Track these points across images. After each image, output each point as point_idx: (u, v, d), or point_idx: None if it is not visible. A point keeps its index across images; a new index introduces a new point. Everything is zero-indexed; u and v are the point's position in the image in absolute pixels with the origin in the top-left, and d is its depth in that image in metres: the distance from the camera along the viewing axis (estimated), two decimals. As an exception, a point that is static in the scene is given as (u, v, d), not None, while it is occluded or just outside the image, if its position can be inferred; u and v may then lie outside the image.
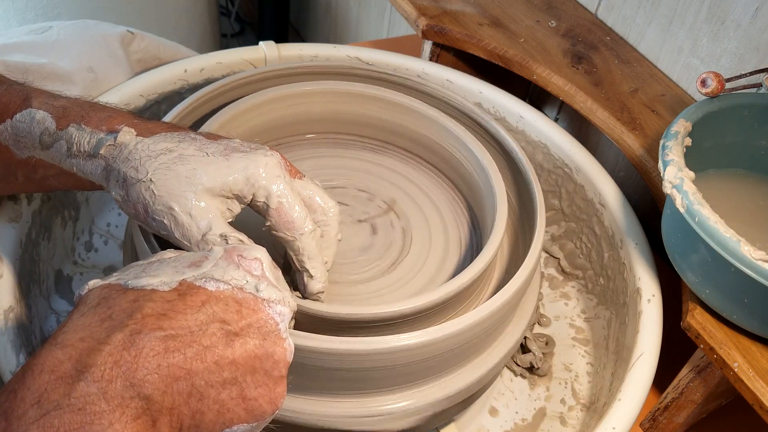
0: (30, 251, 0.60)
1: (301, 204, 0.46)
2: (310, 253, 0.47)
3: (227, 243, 0.43)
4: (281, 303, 0.39)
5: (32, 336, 0.56)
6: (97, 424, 0.33)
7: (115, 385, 0.34)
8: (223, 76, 0.68)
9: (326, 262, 0.49)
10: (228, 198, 0.45)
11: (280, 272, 0.43)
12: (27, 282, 0.58)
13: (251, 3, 2.05)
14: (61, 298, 0.64)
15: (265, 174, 0.45)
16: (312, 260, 0.47)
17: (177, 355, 0.35)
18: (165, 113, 0.59)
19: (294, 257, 0.47)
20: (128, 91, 0.68)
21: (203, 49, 1.36)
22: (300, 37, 1.93)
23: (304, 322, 0.47)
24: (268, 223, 0.46)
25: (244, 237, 0.44)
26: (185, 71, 0.71)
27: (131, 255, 0.53)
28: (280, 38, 1.81)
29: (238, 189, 0.45)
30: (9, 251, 0.56)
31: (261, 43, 0.74)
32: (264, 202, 0.45)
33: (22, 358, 0.50)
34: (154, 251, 0.47)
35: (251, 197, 0.45)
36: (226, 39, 1.99)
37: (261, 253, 0.41)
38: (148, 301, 0.37)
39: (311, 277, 0.48)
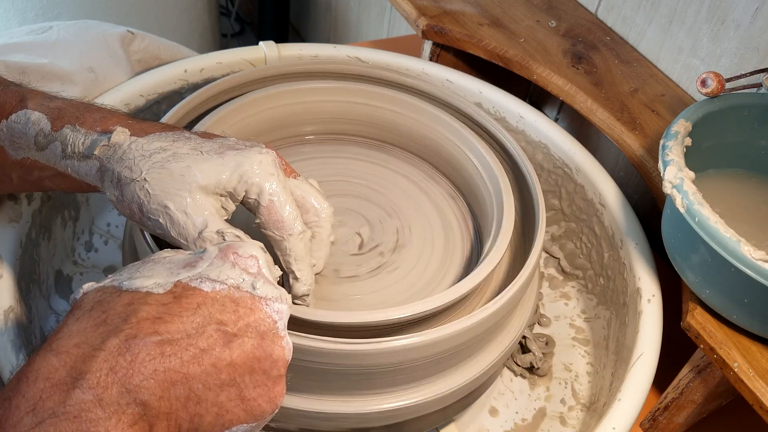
0: (30, 251, 0.60)
1: (293, 204, 0.46)
2: (297, 255, 0.46)
3: (224, 239, 0.43)
4: (279, 300, 0.39)
5: (32, 336, 0.56)
6: None
7: (110, 392, 0.34)
8: (223, 76, 0.68)
9: (315, 265, 0.49)
10: (222, 196, 0.45)
11: (277, 268, 0.42)
12: (27, 282, 0.58)
13: (251, 3, 2.05)
14: (61, 298, 0.64)
15: (258, 171, 0.45)
16: (299, 262, 0.46)
17: (173, 359, 0.35)
18: (165, 113, 0.59)
19: (281, 257, 0.46)
20: (128, 91, 0.68)
21: (203, 49, 1.36)
22: (300, 37, 1.93)
23: (296, 324, 0.46)
24: (257, 221, 0.46)
25: (241, 233, 0.44)
26: (185, 71, 0.71)
27: (131, 255, 0.53)
28: (280, 38, 1.81)
29: (231, 186, 0.45)
30: (9, 251, 0.56)
31: (261, 43, 0.74)
32: (255, 199, 0.45)
33: (22, 358, 0.50)
34: (153, 252, 0.47)
35: (244, 194, 0.45)
36: (226, 39, 1.99)
37: (257, 250, 0.41)
38: (143, 304, 0.36)
39: (296, 279, 0.47)
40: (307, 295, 0.48)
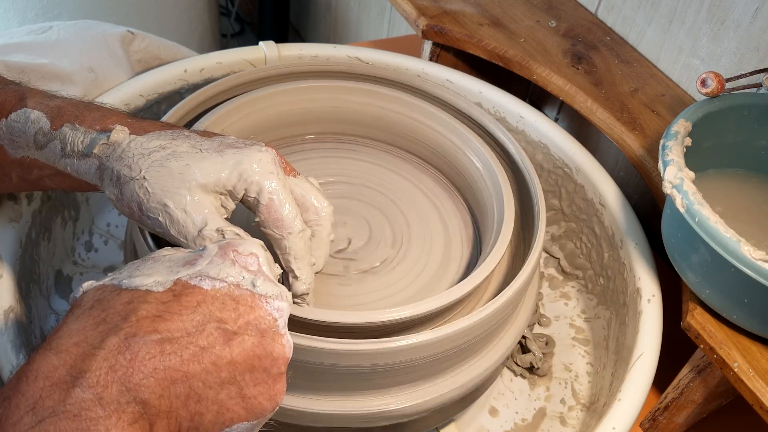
0: (30, 251, 0.60)
1: (293, 202, 0.46)
2: (296, 254, 0.46)
3: (224, 237, 0.43)
4: (279, 298, 0.39)
5: (32, 336, 0.56)
6: (93, 431, 0.32)
7: (110, 391, 0.33)
8: (223, 76, 0.68)
9: (314, 264, 0.48)
10: (222, 194, 0.45)
11: (277, 266, 0.42)
12: (27, 282, 0.58)
13: (251, 3, 2.05)
14: (61, 298, 0.64)
15: (258, 169, 0.45)
16: (298, 261, 0.46)
17: (173, 357, 0.35)
18: (165, 113, 0.59)
19: (280, 256, 0.46)
20: (128, 91, 0.68)
21: (203, 49, 1.36)
22: (300, 37, 1.93)
23: (295, 324, 0.46)
24: (257, 219, 0.46)
25: (240, 231, 0.44)
26: (185, 71, 0.71)
27: (131, 255, 0.53)
28: (280, 38, 1.81)
29: (231, 185, 0.45)
30: (9, 251, 0.56)
31: (261, 43, 0.74)
32: (255, 198, 0.45)
33: (22, 358, 0.50)
34: (153, 250, 0.47)
35: (243, 192, 0.45)
36: (226, 39, 1.99)
37: (257, 248, 0.40)
38: (142, 303, 0.36)
39: (296, 278, 0.47)
40: (307, 294, 0.47)
